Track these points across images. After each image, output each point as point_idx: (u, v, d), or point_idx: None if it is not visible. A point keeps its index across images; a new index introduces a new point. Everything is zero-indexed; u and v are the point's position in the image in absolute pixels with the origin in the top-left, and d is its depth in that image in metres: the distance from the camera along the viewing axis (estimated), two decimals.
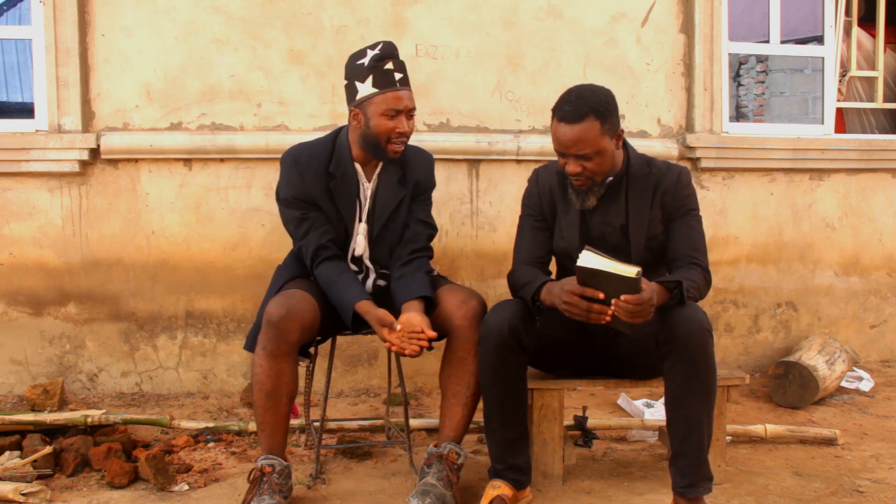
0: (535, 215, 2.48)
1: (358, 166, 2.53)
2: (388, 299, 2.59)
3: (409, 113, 2.46)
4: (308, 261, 2.50)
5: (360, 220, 2.56)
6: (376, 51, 2.43)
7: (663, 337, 2.16)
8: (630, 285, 2.02)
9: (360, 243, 2.56)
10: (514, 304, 2.32)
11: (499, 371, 2.27)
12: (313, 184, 2.48)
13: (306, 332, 2.37)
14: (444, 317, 2.42)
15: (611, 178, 2.34)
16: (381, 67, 2.42)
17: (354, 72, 2.45)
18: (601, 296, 2.09)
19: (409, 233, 2.58)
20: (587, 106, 2.22)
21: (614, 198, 2.37)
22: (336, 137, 2.56)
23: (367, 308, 2.36)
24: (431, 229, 2.63)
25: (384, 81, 2.42)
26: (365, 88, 2.42)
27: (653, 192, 2.37)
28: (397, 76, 2.44)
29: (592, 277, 2.07)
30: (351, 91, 2.47)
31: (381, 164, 2.55)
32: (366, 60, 2.42)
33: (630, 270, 2.02)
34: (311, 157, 2.51)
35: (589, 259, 2.05)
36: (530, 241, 2.48)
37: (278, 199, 2.56)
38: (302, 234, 2.50)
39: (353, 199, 2.52)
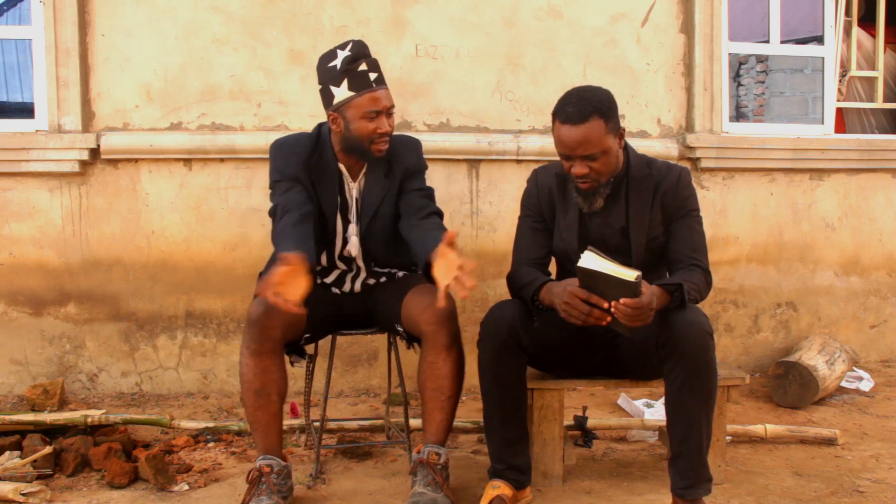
0: (534, 216, 2.48)
1: (341, 166, 2.52)
2: (377, 298, 2.59)
3: (389, 111, 2.44)
4: (280, 212, 2.40)
5: (350, 222, 2.54)
6: (346, 51, 2.40)
7: (664, 340, 2.16)
8: (630, 289, 2.02)
9: (353, 244, 2.54)
10: (513, 304, 2.32)
11: (498, 371, 2.27)
12: (296, 167, 2.48)
13: (290, 329, 2.35)
14: (412, 321, 2.40)
15: (611, 186, 2.34)
16: (355, 69, 2.38)
17: (328, 76, 2.42)
18: (605, 305, 2.08)
19: (406, 206, 2.51)
20: (590, 106, 2.21)
21: (614, 199, 2.36)
22: (319, 133, 2.55)
23: (283, 256, 2.21)
24: (430, 190, 2.59)
25: (360, 84, 2.38)
26: (341, 92, 2.39)
27: (653, 194, 2.36)
28: (372, 76, 2.40)
29: (592, 279, 2.06)
30: (327, 96, 2.44)
31: (366, 163, 2.52)
32: (338, 63, 2.39)
33: (630, 274, 2.01)
34: (294, 144, 2.52)
35: (589, 260, 2.04)
36: (529, 241, 2.47)
37: (270, 187, 2.54)
38: (284, 195, 2.43)
39: (333, 194, 2.50)
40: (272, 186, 2.52)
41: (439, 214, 2.55)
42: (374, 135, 2.41)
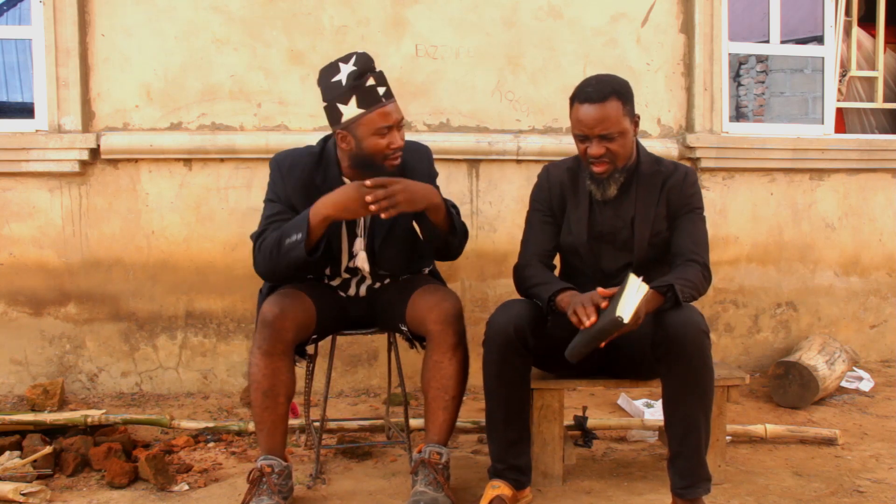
0: (544, 210, 2.49)
1: (347, 181, 2.45)
2: (381, 298, 2.58)
3: (399, 124, 2.37)
4: (259, 231, 2.40)
5: (357, 236, 2.51)
6: (351, 66, 2.30)
7: (659, 339, 2.16)
8: (611, 316, 2.03)
9: (361, 258, 2.52)
10: (521, 304, 2.31)
11: (503, 372, 2.27)
12: (295, 192, 2.42)
13: (302, 331, 2.36)
14: (418, 320, 2.40)
15: (625, 173, 2.36)
16: (363, 85, 2.29)
17: (334, 93, 2.32)
18: (592, 321, 2.08)
19: None
20: (609, 87, 2.27)
21: (625, 192, 2.39)
22: (323, 149, 2.49)
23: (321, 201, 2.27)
24: (455, 208, 2.56)
25: (369, 100, 2.29)
26: (350, 110, 2.30)
27: (660, 189, 2.40)
28: (381, 90, 2.31)
29: (620, 291, 2.07)
30: (334, 114, 2.34)
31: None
32: (342, 78, 2.29)
33: (623, 310, 2.01)
34: (294, 165, 2.44)
35: (636, 282, 2.05)
36: (539, 235, 2.48)
37: (264, 200, 2.50)
38: (270, 220, 2.41)
39: None
40: (265, 202, 2.49)
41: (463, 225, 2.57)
42: (388, 150, 2.35)
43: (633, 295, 2.03)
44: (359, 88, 2.30)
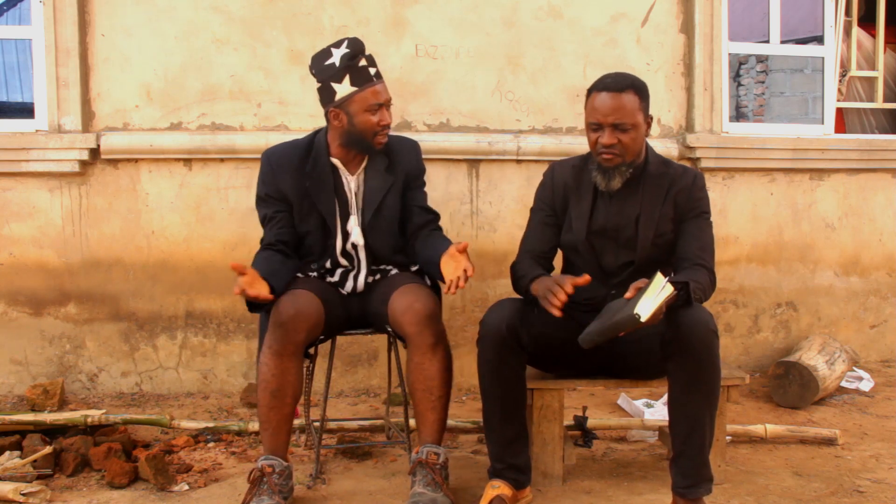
0: (546, 210, 2.51)
1: (338, 163, 2.56)
2: (371, 297, 2.60)
3: (388, 104, 2.52)
4: (263, 238, 2.57)
5: (351, 213, 2.57)
6: (343, 49, 2.46)
7: (669, 337, 2.16)
8: (628, 313, 2.03)
9: (357, 234, 2.57)
10: (513, 302, 2.32)
11: (498, 370, 2.27)
12: (284, 181, 2.53)
13: (312, 332, 2.38)
14: (397, 323, 2.42)
15: (632, 169, 2.37)
16: (356, 65, 2.45)
17: (327, 73, 2.47)
18: (564, 296, 2.11)
19: (417, 219, 2.61)
20: (629, 81, 2.33)
21: (631, 190, 2.40)
22: (314, 138, 2.60)
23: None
24: (434, 214, 2.68)
25: (361, 79, 2.46)
26: (343, 88, 2.46)
27: (666, 190, 2.41)
28: (372, 71, 2.49)
29: (645, 288, 2.06)
30: (328, 93, 2.49)
31: (366, 158, 2.58)
32: (336, 60, 2.45)
33: (642, 309, 2.01)
34: (284, 155, 2.57)
35: (661, 281, 2.04)
36: (538, 235, 2.51)
37: (256, 200, 2.61)
38: (267, 223, 2.57)
39: (330, 196, 2.55)
40: (258, 201, 2.59)
41: (442, 230, 2.68)
42: (378, 127, 2.49)
43: (656, 295, 2.02)
44: (352, 68, 2.46)
